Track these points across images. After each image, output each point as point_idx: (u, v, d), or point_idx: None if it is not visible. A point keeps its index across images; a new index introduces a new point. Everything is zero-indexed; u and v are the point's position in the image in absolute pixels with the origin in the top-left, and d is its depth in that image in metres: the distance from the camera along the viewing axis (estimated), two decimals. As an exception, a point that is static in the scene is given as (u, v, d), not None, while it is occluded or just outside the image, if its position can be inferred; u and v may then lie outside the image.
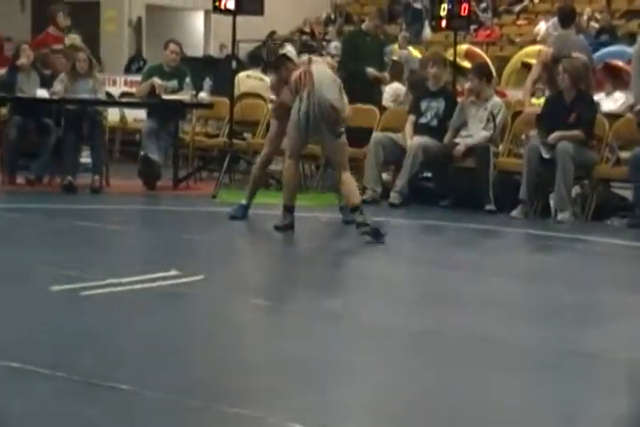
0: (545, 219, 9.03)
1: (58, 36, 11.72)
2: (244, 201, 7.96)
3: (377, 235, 7.13)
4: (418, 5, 21.11)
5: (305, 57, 7.91)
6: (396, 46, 15.85)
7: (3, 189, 9.78)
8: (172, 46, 10.70)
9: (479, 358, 4.42)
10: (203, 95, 12.64)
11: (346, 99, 7.66)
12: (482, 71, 9.96)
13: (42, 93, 10.01)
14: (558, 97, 9.15)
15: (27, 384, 3.74)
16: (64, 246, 6.81)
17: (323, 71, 7.44)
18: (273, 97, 9.45)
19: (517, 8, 21.41)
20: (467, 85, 10.17)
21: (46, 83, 10.25)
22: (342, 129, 7.42)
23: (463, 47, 15.18)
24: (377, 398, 3.83)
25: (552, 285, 6.23)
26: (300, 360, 4.25)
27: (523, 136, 9.64)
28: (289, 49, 7.89)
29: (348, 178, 7.51)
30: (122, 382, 3.71)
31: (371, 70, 11.01)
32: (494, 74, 11.99)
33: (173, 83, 10.51)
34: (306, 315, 5.17)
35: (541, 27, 18.81)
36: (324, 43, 21.00)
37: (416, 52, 16.29)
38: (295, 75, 7.29)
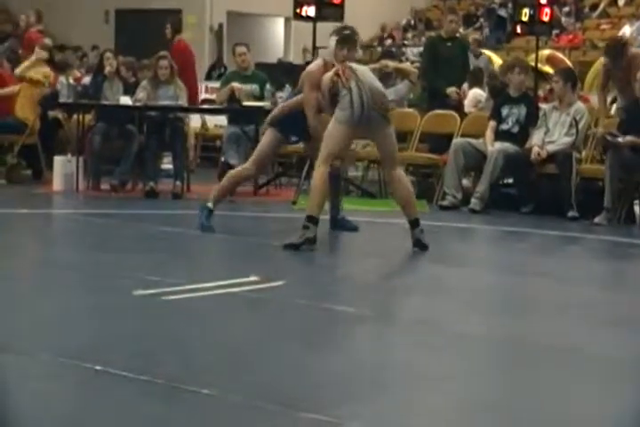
0: (629, 226, 8.89)
1: None
2: (210, 204, 7.64)
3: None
4: (502, 13, 20.95)
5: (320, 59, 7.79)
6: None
7: (87, 195, 9.95)
8: (238, 49, 10.71)
9: (559, 367, 4.36)
10: (283, 101, 12.68)
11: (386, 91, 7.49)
12: (567, 75, 9.82)
13: (125, 100, 10.15)
14: (635, 104, 9.05)
15: (110, 387, 3.79)
16: (146, 251, 6.88)
17: (359, 66, 7.39)
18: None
19: (598, 12, 21.13)
20: (549, 86, 10.08)
21: (129, 90, 10.41)
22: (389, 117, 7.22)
23: (545, 52, 15.03)
24: (456, 407, 3.80)
25: (635, 293, 6.13)
26: (379, 367, 4.23)
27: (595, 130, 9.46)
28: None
29: (403, 176, 7.24)
30: (203, 386, 3.73)
31: (451, 90, 10.87)
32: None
33: (253, 86, 10.56)
34: (387, 321, 5.16)
35: (626, 31, 18.53)
36: (404, 48, 20.96)
37: (497, 58, 16.17)
38: (327, 76, 7.18)
